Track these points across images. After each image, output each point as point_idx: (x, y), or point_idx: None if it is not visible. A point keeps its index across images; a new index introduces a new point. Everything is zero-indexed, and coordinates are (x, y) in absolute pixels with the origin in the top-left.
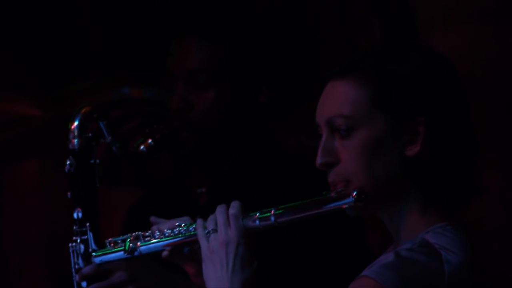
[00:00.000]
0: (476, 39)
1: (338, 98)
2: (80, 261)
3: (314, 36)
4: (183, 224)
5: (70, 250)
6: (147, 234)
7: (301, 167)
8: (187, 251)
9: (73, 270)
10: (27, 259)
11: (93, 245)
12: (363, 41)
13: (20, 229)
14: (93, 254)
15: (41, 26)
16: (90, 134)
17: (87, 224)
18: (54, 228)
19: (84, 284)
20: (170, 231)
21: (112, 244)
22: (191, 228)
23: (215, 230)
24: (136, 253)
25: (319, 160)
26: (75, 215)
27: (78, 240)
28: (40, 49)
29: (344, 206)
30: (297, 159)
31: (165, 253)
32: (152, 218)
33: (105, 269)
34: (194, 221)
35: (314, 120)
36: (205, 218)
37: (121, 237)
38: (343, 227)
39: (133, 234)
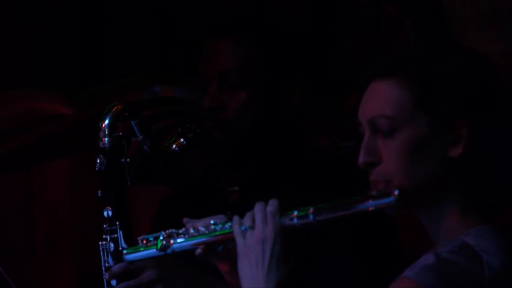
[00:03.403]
0: (509, 41)
1: (380, 98)
2: (110, 259)
3: (346, 37)
4: (218, 222)
5: (100, 249)
6: (180, 231)
7: (333, 166)
8: (221, 249)
9: (103, 268)
10: (57, 257)
11: (123, 244)
12: (395, 43)
13: (51, 227)
14: (124, 251)
15: (74, 26)
16: (120, 133)
17: (117, 223)
18: (85, 226)
19: (113, 282)
20: (204, 228)
21: (144, 242)
22: (226, 226)
23: (252, 227)
24: (169, 251)
25: (361, 159)
26: (105, 214)
27: (108, 239)
28: (72, 48)
29: (385, 205)
30: (329, 158)
31: (198, 251)
32: (185, 219)
33: (135, 268)
34: (228, 218)
35: (348, 121)
36: (235, 215)
37: (153, 235)
38: (376, 228)
39: (167, 231)
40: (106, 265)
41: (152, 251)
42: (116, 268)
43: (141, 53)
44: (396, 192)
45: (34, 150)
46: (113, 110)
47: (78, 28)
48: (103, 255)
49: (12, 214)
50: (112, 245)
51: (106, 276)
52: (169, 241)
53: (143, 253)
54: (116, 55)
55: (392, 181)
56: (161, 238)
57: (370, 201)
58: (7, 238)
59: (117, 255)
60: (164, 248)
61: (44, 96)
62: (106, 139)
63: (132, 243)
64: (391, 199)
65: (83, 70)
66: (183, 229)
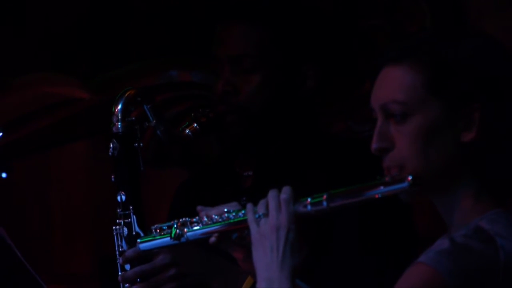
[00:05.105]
0: None
1: (393, 84)
2: (123, 244)
3: (363, 21)
4: (231, 210)
5: (114, 233)
6: (194, 220)
7: (348, 151)
8: (235, 237)
9: (117, 253)
10: (73, 242)
11: (136, 228)
12: (412, 27)
13: (67, 212)
14: (138, 240)
15: (90, 10)
16: (133, 118)
17: (131, 207)
18: (100, 211)
19: (127, 266)
20: (218, 217)
21: (158, 231)
22: (240, 214)
23: (266, 215)
24: (182, 240)
25: (374, 145)
26: (118, 198)
27: (122, 223)
28: (89, 32)
29: (399, 191)
30: (344, 143)
31: (212, 239)
32: (199, 207)
33: (148, 252)
34: (241, 206)
35: (364, 105)
36: (250, 201)
37: (167, 223)
38: (390, 212)
39: (180, 220)
40: (120, 249)
41: (166, 240)
42: (130, 252)
43: (158, 37)
44: (410, 178)
45: (51, 134)
46: (126, 95)
47: (94, 12)
48: (117, 239)
49: (30, 198)
50: (125, 229)
51: (120, 260)
52: (182, 230)
53: (157, 242)
54: (133, 39)
55: (405, 167)
56: (175, 226)
57: (384, 187)
58: (25, 223)
59: (131, 240)
60: (178, 236)
61: (61, 80)
62: (119, 124)
63: (145, 228)
64: (404, 184)
65: (99, 54)
66: (197, 217)
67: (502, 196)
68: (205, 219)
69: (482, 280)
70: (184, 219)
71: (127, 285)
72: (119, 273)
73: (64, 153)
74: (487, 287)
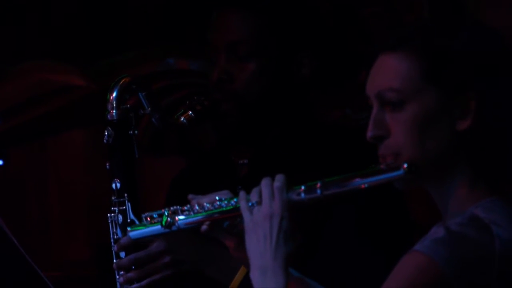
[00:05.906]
0: None
1: (388, 72)
2: (118, 231)
3: (361, 9)
4: (223, 198)
5: (109, 221)
6: (185, 208)
7: (342, 139)
8: (227, 225)
9: (111, 240)
10: (71, 229)
11: (131, 216)
12: (410, 16)
13: (64, 200)
14: (128, 229)
15: None
16: (128, 105)
17: (125, 195)
18: (97, 198)
19: (122, 254)
20: (209, 205)
21: (148, 219)
22: (232, 202)
23: (259, 203)
24: (173, 228)
25: (369, 133)
26: (113, 186)
27: (117, 211)
28: (86, 20)
29: (394, 179)
30: (338, 132)
31: (204, 227)
32: (190, 196)
33: (140, 240)
34: (234, 194)
35: (361, 93)
36: (245, 189)
37: (157, 212)
38: (386, 201)
39: (171, 208)
40: (115, 237)
41: (157, 228)
42: (124, 240)
43: (155, 24)
44: (405, 165)
45: (48, 122)
46: (121, 82)
47: (92, 0)
48: (112, 227)
49: (27, 186)
50: (120, 217)
51: (114, 248)
52: (173, 218)
53: (147, 230)
54: (130, 27)
55: (401, 154)
56: (166, 214)
57: (379, 175)
58: (23, 210)
59: (126, 227)
60: (169, 224)
61: (59, 68)
62: (114, 111)
63: (140, 215)
64: (400, 172)
65: (97, 42)
66: (188, 205)
67: (497, 184)
68: (197, 207)
69: (478, 268)
70: (175, 207)
71: (122, 272)
72: (114, 260)
73: (62, 141)
74: (482, 275)
